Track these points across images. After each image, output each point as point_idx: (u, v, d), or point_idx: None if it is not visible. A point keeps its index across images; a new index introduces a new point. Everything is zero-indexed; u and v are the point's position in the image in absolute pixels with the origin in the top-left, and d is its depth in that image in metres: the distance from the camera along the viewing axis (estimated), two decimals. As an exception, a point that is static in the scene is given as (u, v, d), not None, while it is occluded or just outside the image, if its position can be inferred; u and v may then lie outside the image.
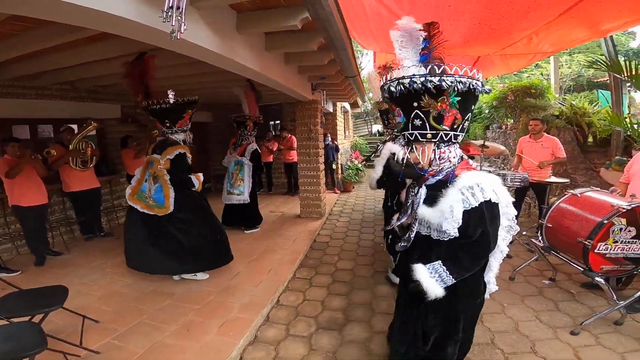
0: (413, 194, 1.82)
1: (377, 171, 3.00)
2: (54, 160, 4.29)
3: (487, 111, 8.58)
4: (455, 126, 1.62)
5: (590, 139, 6.12)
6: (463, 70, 1.52)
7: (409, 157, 1.74)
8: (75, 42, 2.86)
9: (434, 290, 1.65)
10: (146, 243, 3.40)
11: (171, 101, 3.04)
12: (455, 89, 1.50)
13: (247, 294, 3.26)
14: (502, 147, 4.76)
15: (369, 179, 3.22)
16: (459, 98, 1.55)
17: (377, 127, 17.29)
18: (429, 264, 1.70)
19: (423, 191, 1.75)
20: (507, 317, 2.86)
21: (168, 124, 3.49)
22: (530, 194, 5.15)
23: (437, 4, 2.80)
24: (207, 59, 2.53)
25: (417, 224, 1.79)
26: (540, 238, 3.20)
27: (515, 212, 1.78)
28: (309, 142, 5.98)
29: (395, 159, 2.55)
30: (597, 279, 2.66)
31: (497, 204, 1.64)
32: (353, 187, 9.07)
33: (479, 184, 1.58)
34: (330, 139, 8.16)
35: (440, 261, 1.69)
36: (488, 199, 1.58)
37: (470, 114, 1.66)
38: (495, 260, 1.86)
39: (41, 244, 4.14)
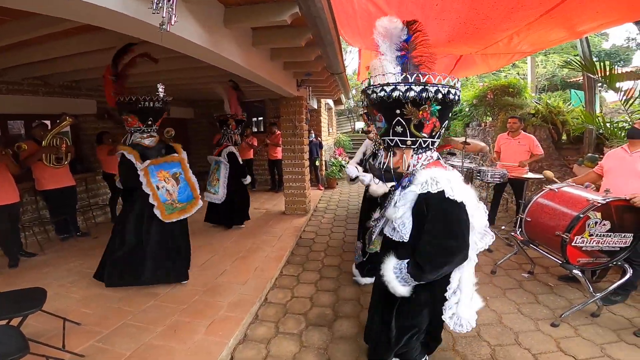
0: (391, 196, 1.87)
1: (368, 177, 3.11)
2: (26, 156, 4.07)
3: (467, 109, 8.79)
4: (433, 133, 1.68)
5: (564, 137, 6.39)
6: (445, 80, 1.56)
7: (389, 161, 1.77)
8: (49, 35, 2.74)
9: (396, 288, 1.72)
10: (169, 253, 3.33)
11: (161, 96, 2.89)
12: (437, 98, 1.55)
13: (235, 292, 3.22)
14: (483, 144, 4.90)
15: (347, 171, 3.28)
16: (440, 107, 1.59)
17: (360, 125, 17.43)
18: (398, 261, 1.75)
19: (397, 192, 1.78)
20: (491, 310, 2.95)
21: (150, 122, 3.32)
22: (507, 190, 5.32)
23: (425, 2, 2.84)
24: (194, 53, 2.47)
25: (382, 224, 1.91)
26: (519, 232, 3.31)
27: (486, 222, 1.75)
28: (293, 138, 5.94)
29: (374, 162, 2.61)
30: (574, 271, 2.77)
31: (457, 203, 1.59)
32: (337, 184, 9.11)
33: (433, 178, 1.61)
34: (314, 135, 8.14)
35: (407, 260, 1.72)
36: (441, 190, 1.58)
37: (447, 121, 1.71)
38: (466, 275, 1.76)
39: (14, 245, 3.94)
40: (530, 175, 4.04)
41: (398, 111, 1.61)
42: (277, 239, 4.77)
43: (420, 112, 1.58)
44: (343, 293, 3.34)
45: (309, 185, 6.44)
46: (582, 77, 6.24)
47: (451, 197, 1.57)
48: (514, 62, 11.01)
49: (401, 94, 1.54)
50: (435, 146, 1.74)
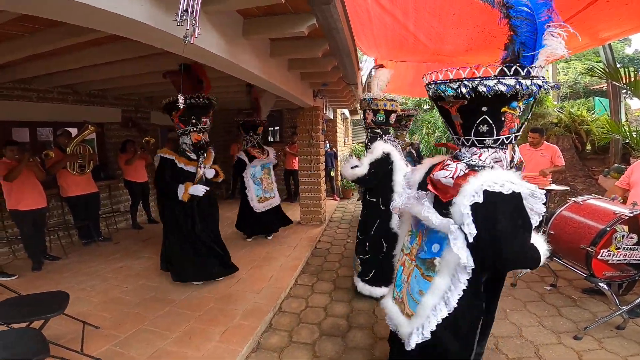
0: None
1: (364, 168, 3.02)
2: (52, 164, 4.25)
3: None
4: (514, 131, 1.49)
5: (588, 147, 6.19)
6: (534, 71, 1.34)
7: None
8: (78, 45, 2.86)
9: None
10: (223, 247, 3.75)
11: (181, 106, 2.98)
12: (528, 93, 1.36)
13: (249, 301, 3.23)
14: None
15: (344, 168, 3.15)
16: (526, 102, 1.42)
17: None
18: None
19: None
20: (511, 322, 2.87)
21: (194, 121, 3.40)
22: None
23: (442, 12, 2.84)
24: (213, 63, 2.53)
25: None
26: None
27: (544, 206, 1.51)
28: (309, 148, 5.98)
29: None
30: (600, 284, 2.68)
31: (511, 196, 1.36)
32: (352, 194, 9.06)
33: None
34: (328, 145, 8.15)
35: None
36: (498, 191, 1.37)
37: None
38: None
39: (38, 249, 4.09)
40: (554, 187, 3.92)
41: (485, 108, 1.45)
42: (292, 248, 4.77)
43: (507, 109, 1.44)
44: (357, 304, 3.29)
45: (325, 196, 6.44)
46: (605, 85, 6.06)
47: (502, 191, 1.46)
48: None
49: (498, 86, 1.37)
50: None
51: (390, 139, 3.21)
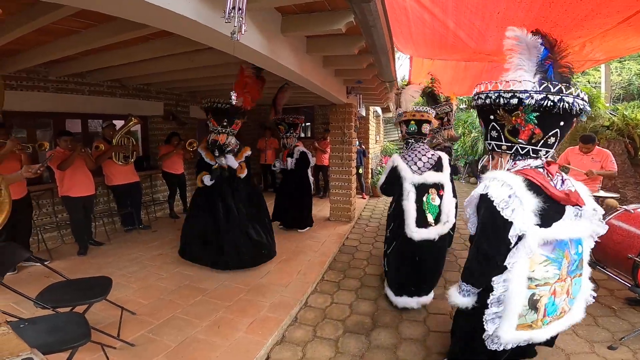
0: None
1: (381, 180, 3.35)
2: (99, 154, 4.53)
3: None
4: (533, 140, 1.64)
5: (642, 153, 5.73)
6: (542, 87, 1.54)
7: (489, 164, 1.87)
8: (128, 40, 3.01)
9: (455, 300, 1.82)
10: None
11: (234, 102, 3.24)
12: (530, 105, 1.55)
13: (277, 294, 3.29)
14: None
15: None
16: (537, 114, 1.56)
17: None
18: None
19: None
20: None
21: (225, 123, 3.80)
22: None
23: (485, 11, 2.72)
24: (254, 60, 2.59)
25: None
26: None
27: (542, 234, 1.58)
28: (342, 145, 5.96)
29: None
30: None
31: (491, 202, 1.60)
32: (382, 193, 8.93)
33: (493, 178, 1.66)
34: (358, 142, 8.06)
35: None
36: (484, 193, 1.65)
37: (558, 130, 1.62)
38: (515, 287, 1.61)
39: (85, 234, 4.37)
40: (602, 193, 3.66)
41: (492, 116, 1.71)
42: (321, 244, 4.80)
43: (513, 118, 1.61)
44: (383, 303, 3.27)
45: (355, 193, 6.41)
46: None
47: (488, 196, 1.61)
48: (583, 70, 10.10)
49: (491, 100, 1.64)
50: (544, 155, 1.70)
51: (422, 147, 3.29)
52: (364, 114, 8.30)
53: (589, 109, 1.58)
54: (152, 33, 2.73)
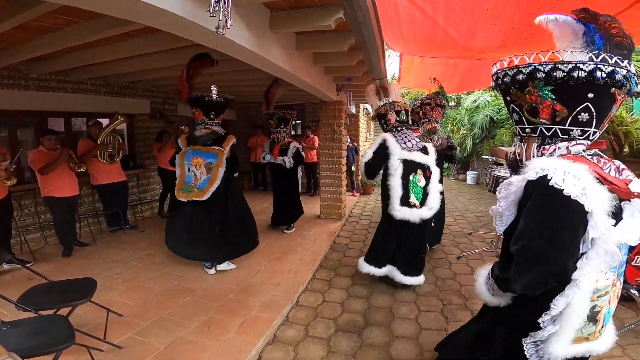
0: None
1: (367, 155, 3.32)
2: (83, 153, 4.42)
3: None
4: (557, 119, 1.36)
5: (626, 149, 5.86)
6: (547, 56, 1.28)
7: (515, 152, 1.58)
8: (112, 37, 2.94)
9: (481, 295, 1.58)
10: (189, 230, 3.63)
11: (214, 96, 3.17)
12: (539, 78, 1.30)
13: (267, 293, 3.26)
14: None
15: (361, 163, 3.41)
16: (551, 87, 1.31)
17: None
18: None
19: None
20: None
21: (212, 116, 3.66)
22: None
23: (474, 7, 2.72)
24: (241, 56, 2.55)
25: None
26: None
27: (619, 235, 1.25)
28: (332, 142, 5.95)
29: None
30: (631, 290, 2.68)
31: (561, 194, 1.20)
32: (373, 190, 8.97)
33: (543, 165, 1.28)
34: (349, 140, 8.09)
35: (495, 262, 1.57)
36: (543, 175, 1.25)
37: (589, 104, 1.30)
38: (577, 304, 1.28)
39: (70, 235, 4.26)
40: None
41: (508, 97, 1.48)
42: (312, 242, 4.78)
43: (527, 96, 1.39)
44: (375, 301, 3.27)
45: (345, 191, 6.40)
46: (649, 85, 5.67)
47: (555, 185, 1.21)
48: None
49: (501, 80, 1.43)
50: (579, 135, 1.36)
51: (411, 134, 3.45)
52: (354, 111, 8.31)
53: (625, 72, 1.24)
54: (136, 29, 2.66)
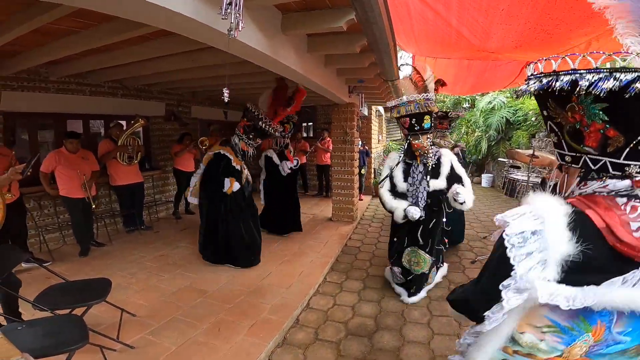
0: None
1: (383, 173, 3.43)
2: (103, 154, 4.53)
3: (533, 118, 8.13)
4: (610, 149, 0.94)
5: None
6: (600, 60, 0.89)
7: (547, 177, 1.30)
8: (128, 40, 2.99)
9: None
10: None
11: (226, 99, 3.18)
12: (587, 91, 0.87)
13: (278, 295, 3.26)
14: (552, 157, 4.47)
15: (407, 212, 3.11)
16: (604, 104, 0.89)
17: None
18: None
19: None
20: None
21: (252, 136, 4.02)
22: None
23: (489, 7, 2.66)
24: (253, 58, 2.56)
25: None
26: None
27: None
28: (344, 145, 5.93)
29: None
30: None
31: (501, 237, 1.02)
32: (385, 193, 8.87)
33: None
34: (361, 143, 8.00)
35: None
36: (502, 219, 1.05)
37: None
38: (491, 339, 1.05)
39: (87, 235, 4.35)
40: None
41: (545, 112, 1.06)
42: (323, 245, 4.76)
43: (569, 113, 0.97)
44: (386, 305, 3.23)
45: (357, 193, 6.37)
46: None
47: (503, 223, 1.04)
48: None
49: (534, 88, 0.99)
50: (633, 174, 0.95)
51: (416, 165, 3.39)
52: (366, 113, 8.26)
53: None
54: (151, 32, 2.71)
